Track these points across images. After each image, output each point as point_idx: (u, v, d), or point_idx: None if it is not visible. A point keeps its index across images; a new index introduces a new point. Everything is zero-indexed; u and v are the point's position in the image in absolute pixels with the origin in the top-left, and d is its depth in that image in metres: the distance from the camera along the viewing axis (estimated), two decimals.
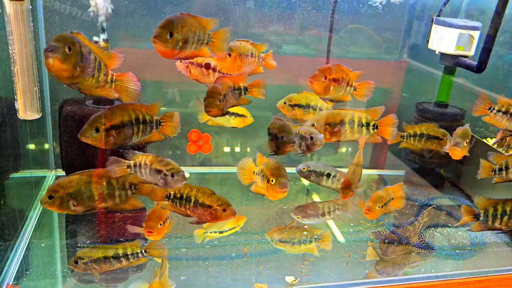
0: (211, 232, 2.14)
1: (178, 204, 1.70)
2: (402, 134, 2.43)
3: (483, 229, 2.04)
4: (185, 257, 2.00)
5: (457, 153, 2.03)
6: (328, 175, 2.34)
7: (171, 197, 1.69)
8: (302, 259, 2.05)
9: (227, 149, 2.84)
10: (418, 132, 2.34)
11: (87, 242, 2.01)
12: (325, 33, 2.63)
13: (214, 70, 1.77)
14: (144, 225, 1.72)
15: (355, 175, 1.93)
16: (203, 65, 1.75)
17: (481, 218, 2.03)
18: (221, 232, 2.18)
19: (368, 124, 1.93)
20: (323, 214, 2.34)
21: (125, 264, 1.72)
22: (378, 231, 2.12)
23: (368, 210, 1.95)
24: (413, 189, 2.82)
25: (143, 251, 1.74)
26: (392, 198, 2.08)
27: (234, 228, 2.19)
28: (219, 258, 2.02)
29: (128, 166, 1.59)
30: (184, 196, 1.70)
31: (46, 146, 2.49)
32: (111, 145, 1.47)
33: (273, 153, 1.72)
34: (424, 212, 2.24)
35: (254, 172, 1.87)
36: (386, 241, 2.09)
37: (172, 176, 1.56)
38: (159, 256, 1.76)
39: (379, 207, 1.96)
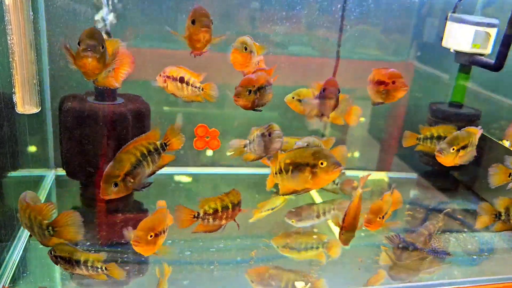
0: (266, 210, 2.20)
1: (212, 220, 1.62)
2: (418, 136, 2.32)
3: (507, 228, 1.94)
4: (189, 261, 1.92)
5: (442, 160, 1.83)
6: None
7: (201, 215, 1.59)
8: (311, 264, 1.96)
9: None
10: (435, 135, 2.24)
11: (87, 243, 1.93)
12: (331, 34, 2.57)
13: (187, 84, 1.74)
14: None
15: (356, 220, 1.74)
16: (178, 79, 1.71)
17: (502, 218, 1.92)
18: (273, 209, 2.23)
19: None
20: (318, 216, 2.25)
21: (85, 273, 1.57)
22: (392, 236, 2.02)
23: (369, 223, 1.80)
24: (426, 192, 2.73)
25: (103, 267, 1.57)
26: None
27: (283, 202, 2.27)
28: (225, 262, 1.93)
29: (245, 146, 1.62)
30: (220, 208, 1.63)
31: (46, 144, 2.42)
32: (131, 189, 1.46)
33: (320, 115, 1.63)
34: (439, 216, 2.16)
35: (275, 174, 1.65)
36: (400, 246, 1.99)
37: (269, 135, 1.53)
38: (118, 277, 1.60)
39: (380, 218, 1.80)
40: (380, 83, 1.71)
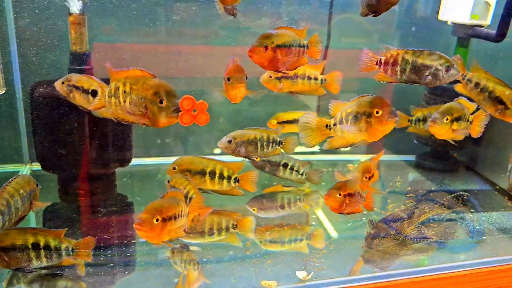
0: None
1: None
2: (410, 118, 2.25)
3: None
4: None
5: (436, 131, 1.71)
6: (285, 165, 2.19)
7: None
8: (314, 252, 1.81)
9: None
10: (428, 116, 2.15)
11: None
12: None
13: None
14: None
15: (350, 183, 1.65)
16: (90, 91, 1.66)
17: None
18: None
19: (229, 178, 1.88)
20: (282, 207, 2.12)
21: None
22: (372, 220, 1.94)
23: (328, 196, 1.64)
24: (426, 174, 2.61)
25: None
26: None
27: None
28: (218, 254, 1.79)
29: (377, 63, 1.46)
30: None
31: (19, 136, 2.24)
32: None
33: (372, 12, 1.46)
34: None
35: (327, 126, 1.53)
36: (374, 230, 1.89)
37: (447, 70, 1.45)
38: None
39: (340, 195, 1.63)
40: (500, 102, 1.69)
